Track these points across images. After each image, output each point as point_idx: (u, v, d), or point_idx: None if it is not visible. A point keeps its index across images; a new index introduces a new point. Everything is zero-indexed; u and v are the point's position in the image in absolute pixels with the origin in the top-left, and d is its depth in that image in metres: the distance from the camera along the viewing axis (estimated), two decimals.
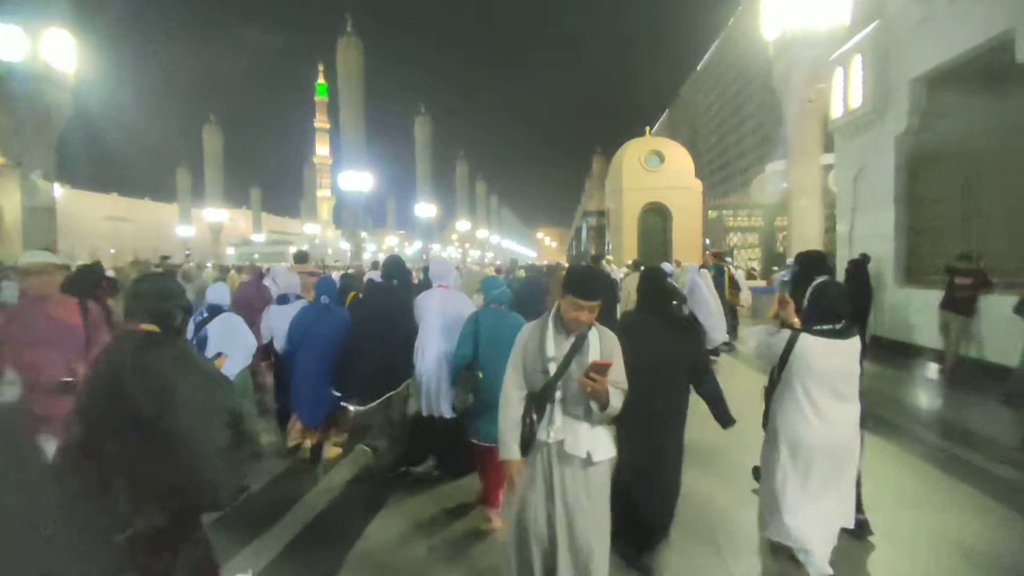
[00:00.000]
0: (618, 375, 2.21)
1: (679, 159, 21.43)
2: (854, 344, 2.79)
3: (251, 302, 5.57)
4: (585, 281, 2.19)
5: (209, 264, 22.42)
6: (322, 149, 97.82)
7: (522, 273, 11.17)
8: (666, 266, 10.44)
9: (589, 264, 7.46)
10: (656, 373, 2.72)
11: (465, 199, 55.61)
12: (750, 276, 17.79)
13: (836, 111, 10.73)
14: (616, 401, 2.17)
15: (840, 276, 8.86)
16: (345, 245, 37.81)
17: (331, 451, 4.69)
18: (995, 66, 6.95)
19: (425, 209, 41.16)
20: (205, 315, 4.31)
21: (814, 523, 2.78)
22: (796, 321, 2.96)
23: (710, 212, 23.17)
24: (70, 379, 2.69)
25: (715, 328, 7.65)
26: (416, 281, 8.50)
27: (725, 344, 8.59)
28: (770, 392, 2.99)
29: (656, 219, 21.02)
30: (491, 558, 3.12)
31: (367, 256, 41.01)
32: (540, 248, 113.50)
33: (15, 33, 14.15)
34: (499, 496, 3.50)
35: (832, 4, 11.28)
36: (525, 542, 2.25)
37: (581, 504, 2.19)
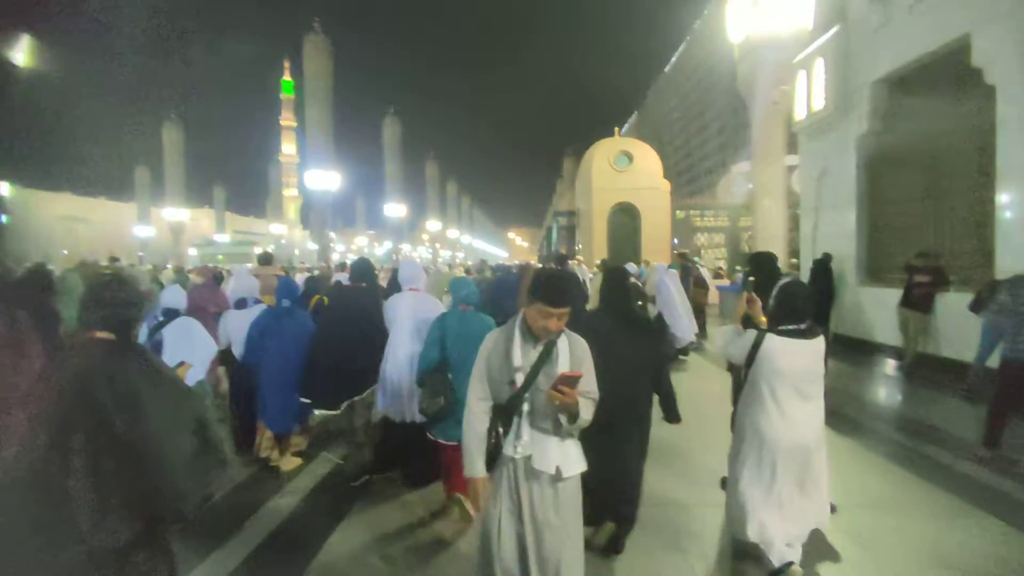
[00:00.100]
0: (588, 384, 2.11)
1: (648, 160, 21.63)
2: (818, 344, 2.81)
3: (204, 306, 5.29)
4: (554, 287, 2.05)
5: (168, 265, 21.70)
6: (288, 147, 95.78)
7: (488, 274, 11.07)
8: (631, 266, 10.50)
9: (557, 267, 7.36)
10: (618, 374, 2.67)
11: (436, 199, 55.24)
12: (717, 275, 18.06)
13: (799, 113, 10.93)
14: (586, 413, 2.07)
15: (805, 276, 9.04)
16: (313, 246, 37.14)
17: (291, 461, 4.51)
18: (953, 69, 7.15)
19: (395, 209, 40.71)
20: (160, 319, 4.12)
21: (781, 522, 2.78)
22: (763, 320, 2.98)
23: (678, 212, 23.50)
24: None
25: (683, 328, 7.68)
26: (384, 284, 8.32)
27: (693, 343, 8.64)
28: (737, 393, 2.99)
29: (625, 219, 21.16)
30: (455, 568, 3.08)
31: (336, 257, 40.38)
32: (511, 248, 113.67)
33: None
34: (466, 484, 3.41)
35: (794, 8, 11.48)
36: (489, 563, 2.13)
37: (550, 521, 2.08)
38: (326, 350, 4.11)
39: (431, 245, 62.76)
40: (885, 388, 7.39)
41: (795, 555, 2.80)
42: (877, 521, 3.53)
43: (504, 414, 2.09)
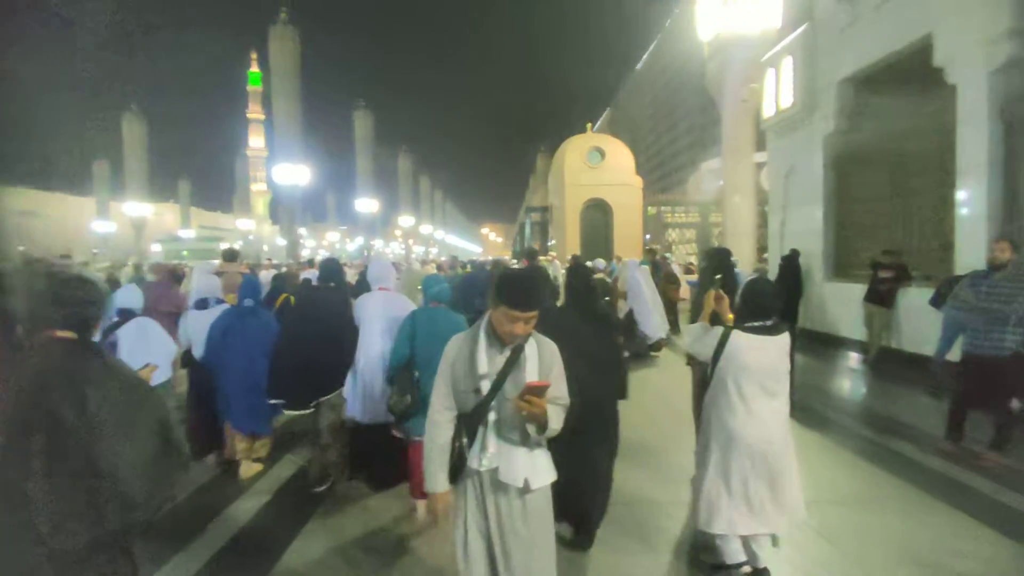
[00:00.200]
0: (558, 389, 2.01)
1: (620, 156, 21.75)
2: (784, 340, 2.81)
3: (158, 306, 5.04)
4: (520, 289, 1.90)
5: (130, 262, 20.98)
6: (256, 141, 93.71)
7: (460, 270, 10.96)
8: (599, 262, 10.54)
9: (527, 263, 7.30)
10: (586, 372, 2.65)
11: (408, 194, 54.62)
12: (688, 271, 18.27)
13: (768, 111, 11.07)
14: (556, 422, 1.96)
15: (775, 271, 9.16)
16: (282, 241, 36.33)
17: (251, 468, 4.37)
18: (917, 69, 7.30)
19: (366, 204, 40.10)
20: (115, 320, 3.95)
21: (746, 518, 2.79)
22: (730, 317, 2.98)
23: (650, 208, 23.73)
24: None
25: (653, 325, 7.71)
26: (353, 283, 8.16)
27: (665, 339, 8.69)
28: (703, 390, 2.99)
29: (598, 215, 21.26)
30: (419, 572, 3.06)
31: (306, 253, 39.59)
32: (485, 244, 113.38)
33: None
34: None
35: (763, 7, 11.63)
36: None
37: (518, 532, 1.97)
38: (293, 350, 4.03)
39: (404, 241, 62.12)
40: (851, 382, 7.54)
41: (760, 552, 2.83)
42: (845, 517, 3.56)
43: (469, 424, 1.97)
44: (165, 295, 5.25)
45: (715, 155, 19.29)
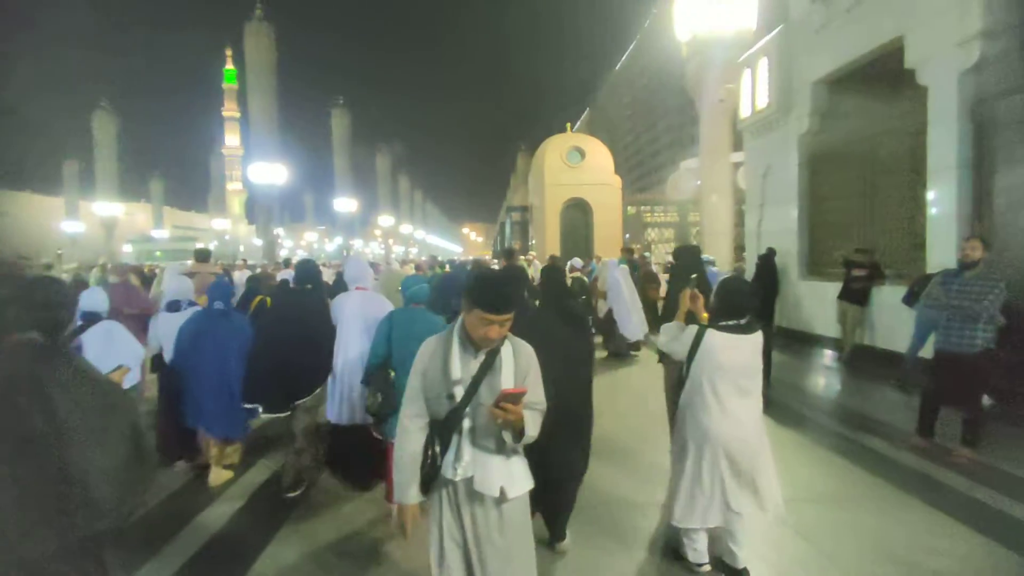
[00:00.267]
0: (535, 394, 1.94)
1: (599, 156, 21.80)
2: (757, 339, 2.83)
3: (122, 308, 4.87)
4: (494, 291, 1.82)
5: (99, 263, 20.42)
6: (232, 139, 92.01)
7: (438, 270, 10.85)
8: (576, 261, 10.53)
9: (505, 263, 7.24)
10: (561, 373, 2.63)
11: (388, 194, 54.14)
12: (667, 270, 18.35)
13: (744, 111, 11.17)
14: (533, 428, 1.90)
15: (752, 270, 9.23)
16: (259, 242, 35.72)
17: (221, 475, 4.25)
18: (889, 71, 7.40)
19: (345, 204, 39.63)
20: (79, 323, 3.81)
21: (721, 513, 2.81)
22: (705, 316, 3.02)
23: (629, 208, 23.86)
24: None
25: (632, 327, 7.70)
26: (331, 283, 8.02)
27: (644, 340, 8.70)
28: (678, 388, 3.00)
29: (578, 214, 21.29)
30: None
31: (284, 253, 38.99)
32: (466, 243, 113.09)
33: None
34: None
35: (739, 8, 11.72)
36: None
37: (495, 542, 1.91)
38: (269, 353, 3.97)
39: (384, 240, 61.58)
40: (825, 379, 7.62)
41: (739, 552, 2.84)
42: (821, 515, 3.58)
43: (442, 431, 1.90)
44: (129, 297, 5.06)
45: (693, 155, 19.45)
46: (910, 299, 5.97)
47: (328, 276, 9.47)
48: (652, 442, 4.60)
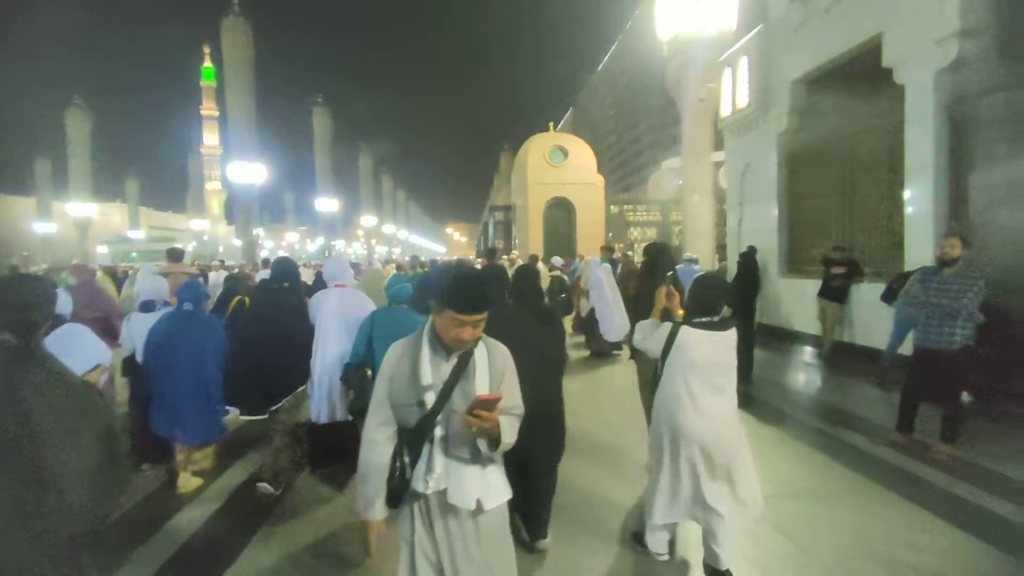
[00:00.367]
0: (512, 398, 1.83)
1: (582, 155, 21.83)
2: (731, 336, 2.83)
3: (79, 311, 4.63)
4: (466, 291, 1.72)
5: (73, 263, 19.88)
6: (210, 138, 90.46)
7: (420, 270, 10.74)
8: (556, 260, 10.48)
9: (487, 262, 7.20)
10: (536, 373, 2.64)
11: (370, 193, 53.64)
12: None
13: (725, 110, 11.22)
14: (510, 435, 1.78)
15: (733, 268, 9.24)
16: (238, 242, 35.17)
17: (190, 482, 4.12)
18: (867, 70, 7.46)
19: (326, 204, 39.15)
20: None
21: (698, 510, 2.81)
22: (680, 313, 3.04)
23: (612, 207, 23.93)
24: None
25: (613, 329, 7.64)
26: (310, 283, 7.91)
27: (627, 338, 8.68)
28: (654, 386, 2.99)
29: (561, 214, 21.30)
30: None
31: (264, 254, 38.38)
32: (450, 244, 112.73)
33: None
34: None
35: (720, 8, 11.75)
36: None
37: (472, 557, 1.79)
38: (247, 354, 3.96)
39: (366, 241, 61.07)
40: (805, 375, 7.67)
41: (722, 553, 2.82)
42: (800, 510, 3.58)
43: (412, 441, 1.77)
44: (90, 299, 4.87)
45: (676, 154, 19.53)
46: (888, 296, 6.00)
47: (308, 276, 9.32)
48: (634, 440, 4.58)
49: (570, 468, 3.81)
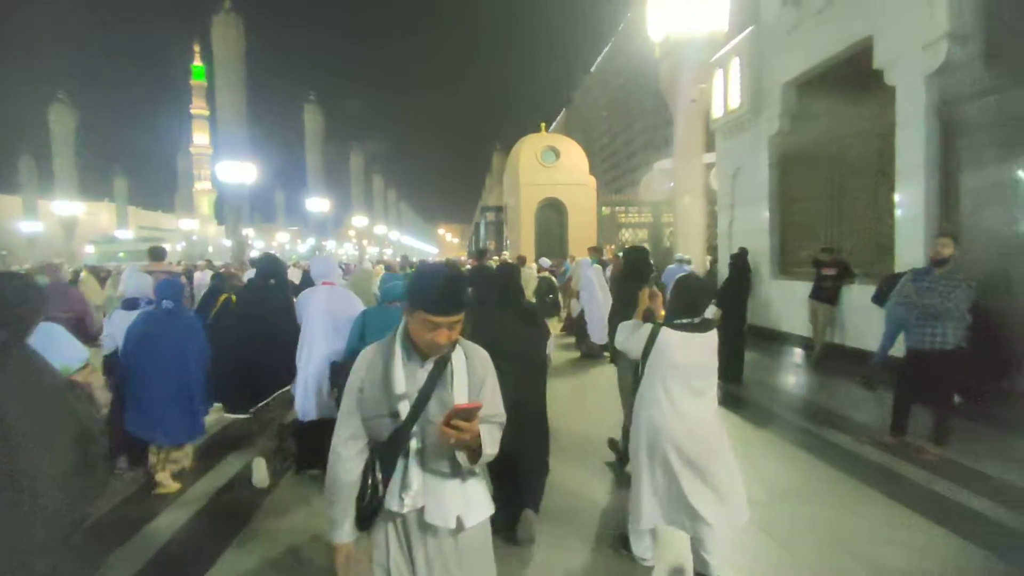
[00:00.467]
0: (493, 406, 1.69)
1: (574, 156, 21.84)
2: (712, 338, 2.80)
3: (51, 310, 4.57)
4: (439, 290, 1.57)
5: (56, 263, 19.56)
6: (200, 138, 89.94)
7: (409, 270, 10.67)
8: (544, 261, 10.45)
9: (476, 263, 7.19)
10: (518, 372, 2.64)
11: (361, 194, 53.38)
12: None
13: (716, 111, 11.22)
14: (491, 446, 1.63)
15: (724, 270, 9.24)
16: (228, 242, 34.85)
17: (170, 482, 4.04)
18: (857, 73, 7.47)
19: (317, 204, 38.92)
20: None
21: (677, 515, 2.77)
22: (663, 314, 3.01)
23: (604, 208, 23.92)
24: None
25: (600, 332, 7.61)
26: (297, 282, 7.85)
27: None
28: (635, 387, 2.98)
29: (553, 214, 21.29)
30: None
31: (254, 254, 38.02)
32: (442, 244, 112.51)
33: None
34: None
35: (711, 9, 11.76)
36: None
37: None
38: (234, 352, 3.97)
39: (358, 242, 60.80)
40: (796, 377, 7.67)
41: (712, 560, 2.77)
42: (789, 513, 3.57)
43: (385, 455, 1.62)
44: (62, 300, 4.78)
45: (669, 156, 19.55)
46: (879, 298, 6.00)
47: (295, 276, 9.21)
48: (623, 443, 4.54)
49: (558, 470, 3.80)
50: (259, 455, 4.18)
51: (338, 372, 3.47)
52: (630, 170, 71.20)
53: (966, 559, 3.05)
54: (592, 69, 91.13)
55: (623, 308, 3.79)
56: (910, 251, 6.42)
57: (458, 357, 1.67)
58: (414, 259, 17.46)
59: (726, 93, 10.71)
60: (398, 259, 17.05)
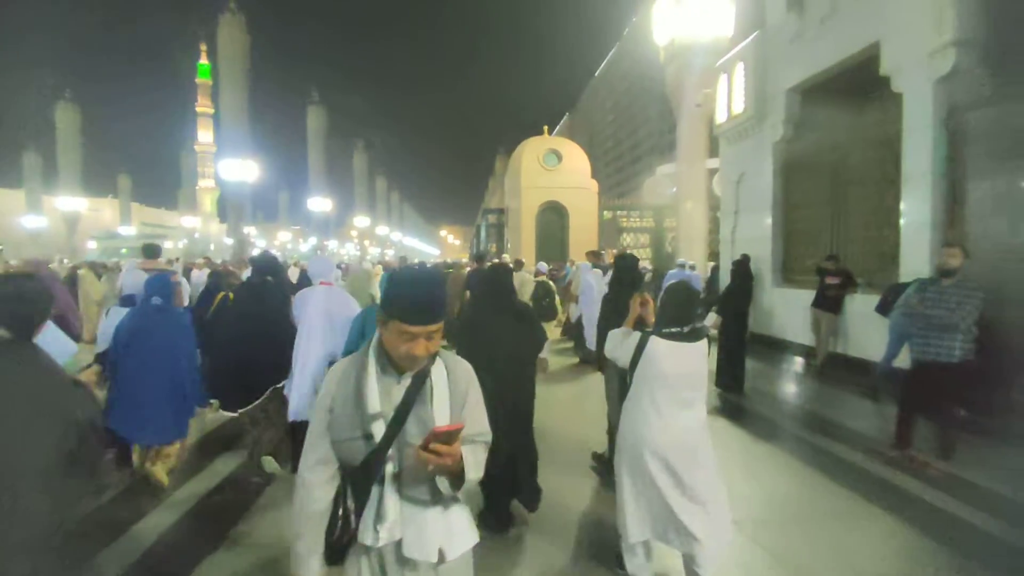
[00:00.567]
0: (477, 424, 1.55)
1: (576, 159, 21.79)
2: (701, 347, 2.73)
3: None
4: (414, 296, 1.42)
5: (57, 259, 19.57)
6: (205, 136, 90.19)
7: None
8: (542, 265, 10.38)
9: (473, 269, 7.13)
10: (505, 372, 2.64)
11: (364, 194, 53.40)
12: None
13: (720, 116, 11.14)
14: (476, 469, 1.49)
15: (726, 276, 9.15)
16: (230, 240, 34.81)
17: (161, 476, 3.97)
18: (861, 81, 7.39)
19: (320, 203, 38.91)
20: None
21: (656, 524, 2.71)
22: (653, 322, 2.97)
23: (605, 212, 23.84)
24: None
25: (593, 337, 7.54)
26: (294, 281, 7.81)
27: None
28: (622, 396, 2.91)
29: (554, 218, 21.23)
30: None
31: (255, 253, 37.95)
32: (443, 246, 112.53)
33: None
34: None
35: (716, 14, 11.73)
36: None
37: None
38: (231, 350, 3.98)
39: (359, 242, 60.78)
40: (798, 387, 7.57)
41: (705, 572, 2.68)
42: (789, 528, 3.49)
43: (358, 482, 1.46)
44: None
45: (673, 160, 19.49)
46: (883, 308, 5.91)
47: (293, 275, 9.15)
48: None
49: (553, 480, 3.72)
50: (264, 454, 4.16)
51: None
52: (634, 174, 71.12)
53: None
54: (597, 73, 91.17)
55: (611, 315, 3.75)
56: (915, 260, 6.32)
57: (438, 371, 1.52)
58: (415, 260, 17.38)
59: (730, 98, 10.63)
60: (396, 260, 16.99)
